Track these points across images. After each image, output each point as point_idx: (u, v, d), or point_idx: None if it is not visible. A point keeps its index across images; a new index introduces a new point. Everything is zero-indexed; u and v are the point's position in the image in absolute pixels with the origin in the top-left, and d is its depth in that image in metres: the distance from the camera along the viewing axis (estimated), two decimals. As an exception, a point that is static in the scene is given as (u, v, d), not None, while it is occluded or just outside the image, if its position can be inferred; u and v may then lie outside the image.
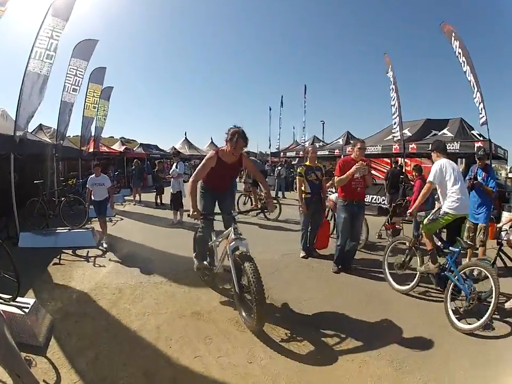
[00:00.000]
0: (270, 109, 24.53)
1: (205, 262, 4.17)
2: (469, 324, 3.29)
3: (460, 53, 8.87)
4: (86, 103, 12.17)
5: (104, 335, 3.09)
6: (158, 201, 12.08)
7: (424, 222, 4.10)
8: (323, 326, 3.38)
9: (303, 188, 5.71)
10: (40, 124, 11.92)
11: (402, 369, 2.69)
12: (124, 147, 20.79)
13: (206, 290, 4.20)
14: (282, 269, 5.15)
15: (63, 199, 7.63)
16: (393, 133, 11.35)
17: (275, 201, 10.64)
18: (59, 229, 6.52)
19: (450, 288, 3.61)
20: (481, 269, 3.51)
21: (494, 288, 3.20)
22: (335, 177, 4.99)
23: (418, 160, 13.26)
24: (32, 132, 10.05)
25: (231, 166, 3.73)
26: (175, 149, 26.17)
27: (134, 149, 22.30)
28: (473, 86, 8.55)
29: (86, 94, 12.14)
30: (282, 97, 23.23)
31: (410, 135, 11.26)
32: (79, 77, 10.09)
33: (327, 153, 15.62)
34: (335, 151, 14.89)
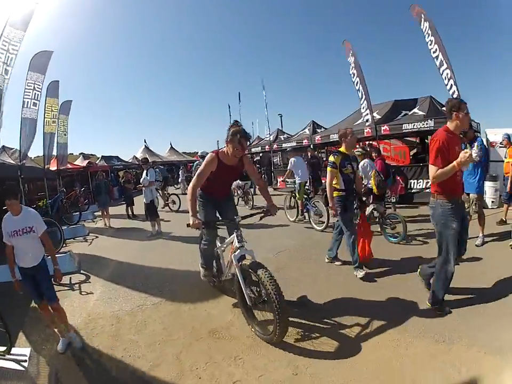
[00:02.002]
0: (229, 107, 23.34)
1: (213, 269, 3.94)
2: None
3: (429, 33, 8.89)
4: (45, 119, 11.02)
5: (118, 379, 2.63)
6: (130, 212, 11.37)
7: None
8: (342, 319, 3.24)
9: (334, 183, 4.36)
10: (3, 146, 10.73)
11: (446, 341, 2.66)
12: (87, 161, 19.53)
13: (213, 303, 3.86)
14: (284, 268, 4.84)
15: None
16: (364, 116, 11.05)
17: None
18: None
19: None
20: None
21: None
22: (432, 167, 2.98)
23: (387, 142, 13.25)
24: None
25: (232, 168, 3.41)
26: (136, 158, 25.28)
27: (96, 161, 21.02)
28: (442, 63, 8.56)
29: (45, 109, 10.98)
30: (239, 94, 22.75)
31: (380, 117, 11.02)
32: (37, 90, 9.15)
33: (294, 144, 15.06)
34: (303, 141, 14.45)
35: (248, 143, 3.39)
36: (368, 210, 5.67)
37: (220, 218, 3.67)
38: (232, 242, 3.29)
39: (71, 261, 5.69)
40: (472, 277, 3.87)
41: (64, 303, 4.19)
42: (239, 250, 3.06)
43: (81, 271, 5.53)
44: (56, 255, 5.62)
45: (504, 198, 6.31)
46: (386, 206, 6.68)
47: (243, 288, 2.98)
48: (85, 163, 18.94)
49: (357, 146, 6.65)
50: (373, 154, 7.37)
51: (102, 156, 22.61)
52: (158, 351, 2.94)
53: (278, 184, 15.03)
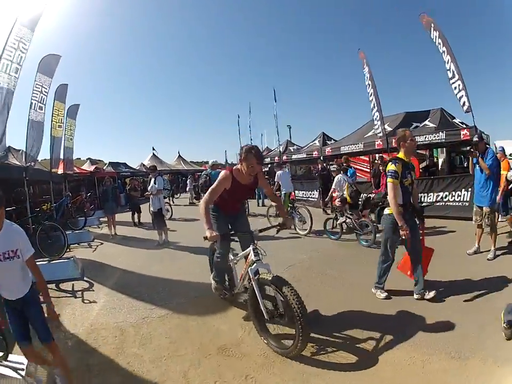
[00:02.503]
0: (239, 117, 23.42)
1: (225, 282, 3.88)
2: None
3: (440, 43, 8.79)
4: (52, 122, 11.15)
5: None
6: (136, 220, 11.36)
7: None
8: (356, 333, 3.13)
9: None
10: (9, 146, 10.81)
11: (461, 357, 2.57)
12: (94, 166, 19.65)
13: (222, 317, 3.68)
14: (297, 282, 4.62)
15: (38, 226, 6.65)
16: (375, 128, 11.12)
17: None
18: (38, 261, 5.52)
19: None
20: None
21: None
22: None
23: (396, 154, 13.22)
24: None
25: (246, 186, 3.41)
26: (143, 165, 25.41)
27: (104, 167, 21.15)
28: (454, 74, 8.46)
29: (52, 113, 11.16)
30: (250, 104, 22.55)
31: (391, 129, 10.93)
32: (44, 94, 9.26)
33: (304, 156, 15.41)
34: (314, 153, 14.47)
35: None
36: (343, 218, 6.97)
37: (233, 232, 3.58)
38: (247, 256, 3.26)
39: (74, 267, 5.58)
40: (485, 291, 3.78)
41: (65, 311, 4.13)
42: (255, 264, 3.00)
43: (85, 278, 5.39)
44: (60, 259, 5.67)
45: (502, 212, 6.33)
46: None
47: (260, 302, 2.87)
48: (92, 168, 19.06)
49: (332, 163, 8.18)
50: (380, 168, 7.67)
51: (109, 162, 22.76)
52: (164, 367, 2.77)
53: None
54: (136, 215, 11.38)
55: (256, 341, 3.06)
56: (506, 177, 6.01)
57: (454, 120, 9.97)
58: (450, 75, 8.61)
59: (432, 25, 8.97)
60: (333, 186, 7.35)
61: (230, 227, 3.70)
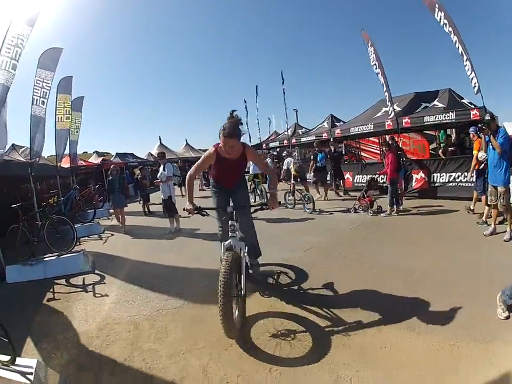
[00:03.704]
0: (245, 102, 23.46)
1: None
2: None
3: (445, 23, 8.64)
4: (57, 115, 11.07)
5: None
6: (146, 209, 11.48)
7: None
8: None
9: None
10: (13, 144, 10.87)
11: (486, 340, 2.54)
12: (101, 158, 19.71)
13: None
14: (316, 266, 4.57)
15: (46, 221, 6.61)
16: (384, 108, 11.32)
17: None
18: (47, 257, 5.57)
19: None
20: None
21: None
22: None
23: (405, 135, 13.48)
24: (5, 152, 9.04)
25: (233, 161, 3.54)
26: (151, 154, 25.41)
27: (111, 159, 21.19)
28: (462, 54, 8.37)
29: (56, 106, 11.04)
30: (257, 87, 22.34)
31: (400, 109, 11.14)
32: (45, 88, 9.12)
33: (313, 138, 15.27)
34: (323, 135, 14.50)
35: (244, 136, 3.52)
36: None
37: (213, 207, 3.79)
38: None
39: (84, 260, 5.51)
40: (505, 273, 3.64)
41: (76, 306, 4.07)
42: (229, 240, 3.12)
43: (96, 271, 5.33)
44: (70, 253, 5.60)
45: (479, 191, 6.60)
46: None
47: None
48: (98, 160, 19.01)
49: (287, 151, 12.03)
50: (384, 149, 8.32)
51: (116, 153, 22.81)
52: (182, 363, 2.63)
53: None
54: (146, 205, 11.47)
55: (277, 326, 2.98)
56: (477, 157, 6.29)
57: (463, 101, 10.03)
58: (460, 55, 8.55)
59: (437, 5, 8.82)
60: (283, 167, 10.48)
61: (232, 201, 3.85)
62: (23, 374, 2.22)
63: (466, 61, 8.29)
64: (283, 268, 4.56)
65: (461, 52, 8.39)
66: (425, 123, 10.08)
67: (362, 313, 3.15)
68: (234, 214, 3.26)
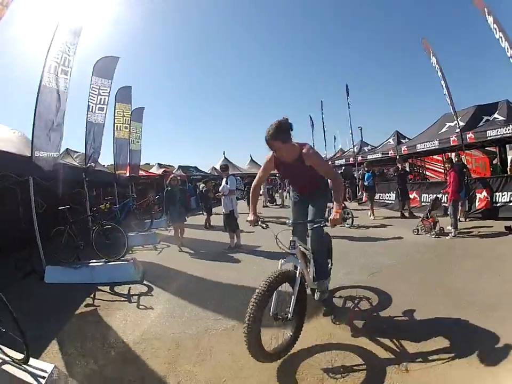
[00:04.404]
0: (311, 118, 25.13)
1: None
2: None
3: (495, 29, 8.74)
4: (116, 124, 12.25)
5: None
6: (208, 223, 11.83)
7: None
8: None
9: None
10: (67, 148, 12.30)
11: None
12: (163, 169, 20.93)
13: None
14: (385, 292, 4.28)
15: (95, 226, 6.99)
16: (449, 123, 12.12)
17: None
18: (93, 262, 5.95)
19: None
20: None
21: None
22: None
23: (468, 152, 13.94)
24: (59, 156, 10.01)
25: (293, 165, 3.50)
26: (215, 169, 26.35)
27: (174, 171, 22.46)
28: None
29: (115, 115, 12.25)
30: (322, 102, 22.96)
31: (463, 124, 11.57)
32: (103, 95, 10.15)
33: (380, 155, 16.95)
34: (389, 152, 15.85)
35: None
36: None
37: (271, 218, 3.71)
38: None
39: (133, 269, 5.71)
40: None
41: (115, 315, 4.16)
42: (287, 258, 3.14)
43: (144, 282, 5.47)
44: (116, 262, 5.85)
45: None
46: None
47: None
48: (160, 172, 20.12)
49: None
50: (446, 166, 8.93)
51: (179, 166, 24.04)
52: (222, 392, 2.36)
53: (364, 198, 14.90)
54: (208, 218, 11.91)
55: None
56: None
57: None
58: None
59: (486, 10, 8.97)
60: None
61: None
62: (35, 376, 2.27)
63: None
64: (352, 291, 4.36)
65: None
66: (488, 138, 10.43)
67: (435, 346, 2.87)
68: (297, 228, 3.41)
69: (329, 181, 3.67)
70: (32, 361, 2.41)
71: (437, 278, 4.73)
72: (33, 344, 2.60)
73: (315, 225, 3.33)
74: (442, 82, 11.24)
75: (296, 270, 2.99)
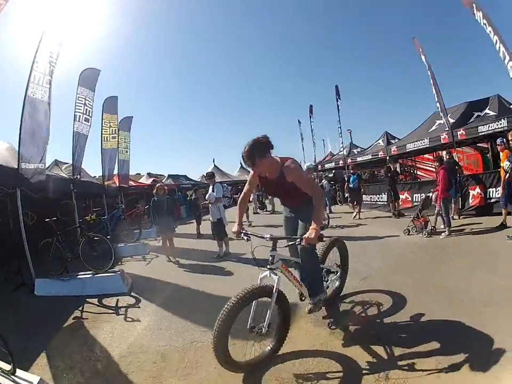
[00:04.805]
0: (300, 122, 25.94)
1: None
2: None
3: (485, 24, 9.06)
4: (103, 135, 12.28)
5: None
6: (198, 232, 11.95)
7: None
8: None
9: None
10: (56, 160, 12.29)
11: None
12: (152, 179, 21.01)
13: (289, 343, 3.20)
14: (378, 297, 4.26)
15: (82, 238, 7.07)
16: (438, 121, 12.20)
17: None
18: (81, 274, 5.98)
19: None
20: None
21: None
22: None
23: (459, 150, 13.82)
24: (47, 168, 9.99)
25: (275, 181, 3.46)
26: (204, 176, 26.46)
27: (163, 180, 22.49)
28: (505, 55, 8.62)
29: (102, 125, 12.30)
30: (311, 106, 23.63)
31: (454, 121, 11.73)
32: (88, 106, 10.20)
33: (370, 157, 16.94)
34: (379, 153, 15.90)
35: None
36: None
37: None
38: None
39: (120, 281, 5.73)
40: None
41: (103, 328, 4.18)
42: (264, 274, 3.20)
43: (132, 294, 5.50)
44: (104, 274, 5.90)
45: (501, 203, 7.46)
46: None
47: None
48: (150, 181, 20.15)
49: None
50: (435, 164, 8.73)
51: (168, 175, 24.12)
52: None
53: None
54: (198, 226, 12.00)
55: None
56: (503, 168, 6.78)
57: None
58: (502, 56, 8.82)
59: (474, 5, 9.32)
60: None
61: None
62: None
63: (509, 61, 8.49)
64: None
65: (502, 52, 8.65)
66: (480, 133, 10.55)
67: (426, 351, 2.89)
68: (277, 242, 3.29)
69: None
70: (19, 372, 2.51)
71: (429, 278, 4.80)
72: (22, 356, 2.76)
73: (289, 243, 3.36)
74: (431, 80, 11.59)
75: (275, 284, 2.99)
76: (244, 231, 3.48)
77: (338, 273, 4.23)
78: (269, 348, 3.02)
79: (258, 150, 3.16)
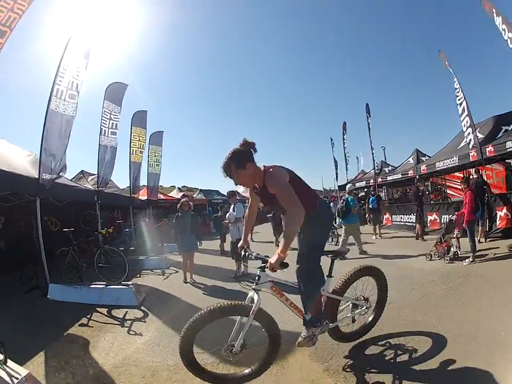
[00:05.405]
0: (332, 140, 25.03)
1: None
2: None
3: (504, 30, 8.72)
4: (131, 148, 12.69)
5: None
6: (222, 249, 12.14)
7: None
8: None
9: None
10: (82, 170, 12.86)
11: None
12: (182, 193, 21.30)
13: (287, 367, 3.28)
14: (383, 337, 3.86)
15: (97, 250, 7.49)
16: (466, 137, 11.48)
17: None
18: (94, 284, 6.31)
19: None
20: None
21: None
22: None
23: (488, 167, 13.53)
24: (73, 178, 10.82)
25: (262, 193, 3.24)
26: (238, 193, 26.50)
27: (194, 195, 22.87)
28: None
29: (131, 139, 12.71)
30: (344, 123, 23.14)
31: (483, 136, 11.27)
32: (114, 120, 10.60)
33: (399, 176, 16.63)
34: (409, 172, 15.58)
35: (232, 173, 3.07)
36: None
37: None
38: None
39: (132, 294, 5.93)
40: None
41: (104, 337, 4.38)
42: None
43: (142, 307, 5.68)
44: (116, 286, 6.14)
45: None
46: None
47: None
48: (180, 195, 20.49)
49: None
50: (462, 186, 8.22)
51: (200, 190, 24.37)
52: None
53: (384, 221, 15.22)
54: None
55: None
56: None
57: None
58: None
59: (494, 10, 9.09)
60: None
61: None
62: (11, 376, 2.64)
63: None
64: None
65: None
66: (508, 149, 9.82)
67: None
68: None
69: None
70: (10, 363, 2.76)
71: (449, 317, 4.18)
72: (20, 352, 3.05)
73: (261, 265, 3.08)
74: (461, 93, 11.24)
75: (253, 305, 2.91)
76: (246, 247, 3.45)
77: (364, 307, 3.68)
78: (250, 369, 3.03)
79: (236, 161, 2.97)
